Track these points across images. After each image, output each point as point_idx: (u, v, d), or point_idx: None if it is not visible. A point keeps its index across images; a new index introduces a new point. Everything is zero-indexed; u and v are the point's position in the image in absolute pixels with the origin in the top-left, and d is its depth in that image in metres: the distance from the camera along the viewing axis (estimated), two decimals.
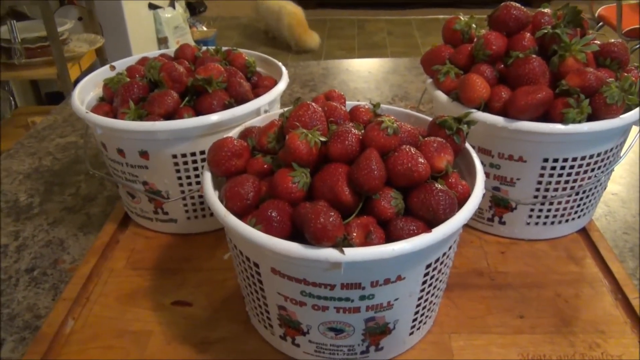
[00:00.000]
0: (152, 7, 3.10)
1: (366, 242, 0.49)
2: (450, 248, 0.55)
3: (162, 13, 3.13)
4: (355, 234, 0.49)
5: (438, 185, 0.51)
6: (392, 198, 0.51)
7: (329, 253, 0.46)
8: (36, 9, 2.21)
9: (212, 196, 0.54)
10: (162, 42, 3.20)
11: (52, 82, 2.60)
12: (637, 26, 2.61)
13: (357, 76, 1.37)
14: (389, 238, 0.50)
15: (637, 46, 2.71)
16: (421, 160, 0.51)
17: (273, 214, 0.49)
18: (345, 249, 0.46)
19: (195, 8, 4.28)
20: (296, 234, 0.50)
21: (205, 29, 3.86)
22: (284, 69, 0.83)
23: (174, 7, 3.27)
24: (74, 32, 2.51)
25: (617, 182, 0.93)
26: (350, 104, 0.67)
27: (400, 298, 0.53)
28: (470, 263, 0.74)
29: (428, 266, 0.53)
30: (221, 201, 0.54)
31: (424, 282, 0.54)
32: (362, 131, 0.54)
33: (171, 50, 0.88)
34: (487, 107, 0.69)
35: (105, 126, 0.69)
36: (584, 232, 0.79)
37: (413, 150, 0.51)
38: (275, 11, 3.83)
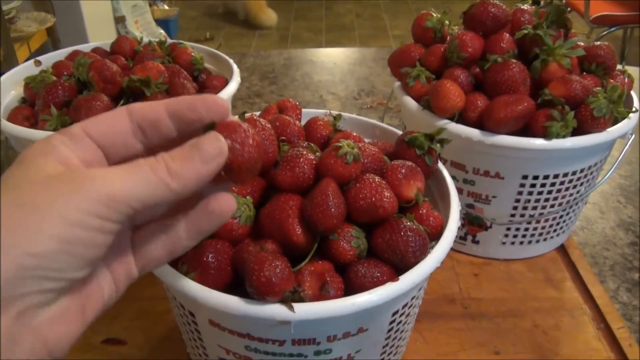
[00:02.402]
0: None
1: (321, 294, 0.41)
2: (420, 289, 0.48)
3: None
4: (307, 284, 0.40)
5: (407, 223, 0.43)
6: (353, 237, 0.43)
7: (275, 310, 0.38)
8: None
9: None
10: (120, 21, 3.03)
11: (0, 64, 2.43)
12: (605, 13, 2.59)
13: (321, 67, 1.28)
14: (349, 287, 0.42)
15: (604, 33, 2.69)
16: (387, 193, 0.43)
17: (210, 259, 0.41)
18: (295, 305, 0.38)
19: None
20: (238, 278, 0.42)
21: (166, 7, 3.68)
22: (235, 66, 0.74)
23: None
24: (23, 10, 2.34)
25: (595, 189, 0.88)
26: (307, 112, 0.59)
27: (363, 349, 0.46)
28: (441, 288, 0.67)
29: (395, 313, 0.45)
30: None
31: (390, 330, 0.47)
32: (318, 154, 0.46)
33: (107, 43, 0.77)
34: (461, 117, 0.61)
35: (19, 137, 0.59)
36: (562, 249, 0.73)
37: (377, 180, 0.43)
38: None
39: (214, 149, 0.29)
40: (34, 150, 0.28)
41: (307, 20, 3.98)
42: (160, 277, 0.41)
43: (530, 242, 0.69)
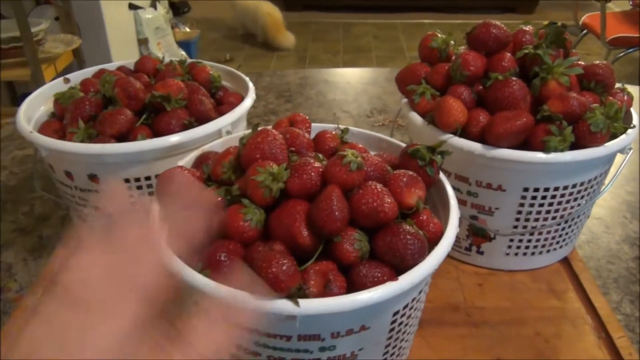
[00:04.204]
0: (133, 7, 3.03)
1: (325, 291, 0.44)
2: (421, 292, 0.50)
3: (142, 14, 3.05)
4: (312, 283, 0.44)
5: (407, 227, 0.46)
6: (356, 240, 0.46)
7: (282, 305, 0.41)
8: (11, 9, 2.13)
9: (157, 235, 0.48)
10: (143, 43, 3.13)
11: (29, 83, 2.52)
12: (621, 35, 2.60)
13: (335, 87, 1.32)
14: (351, 286, 0.45)
15: (621, 55, 2.70)
16: (388, 199, 0.46)
17: (222, 258, 0.44)
18: (301, 301, 0.41)
19: (179, 8, 4.20)
20: None
21: (188, 29, 3.79)
22: (250, 84, 0.78)
23: (155, 7, 3.20)
24: (51, 33, 2.44)
25: (601, 205, 0.90)
26: (317, 127, 0.62)
27: (365, 348, 0.48)
28: (446, 296, 0.69)
29: (396, 313, 0.48)
30: None
31: (392, 330, 0.49)
32: (324, 162, 0.49)
33: (131, 62, 0.82)
34: (464, 132, 0.64)
35: (49, 148, 0.63)
36: (566, 261, 0.75)
37: (379, 187, 0.47)
38: (252, 11, 3.86)
39: None
40: None
41: (324, 42, 4.06)
42: (177, 273, 0.45)
43: (533, 253, 0.71)
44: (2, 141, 1.09)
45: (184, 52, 3.31)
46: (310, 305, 0.41)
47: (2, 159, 1.03)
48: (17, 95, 2.71)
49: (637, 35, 2.58)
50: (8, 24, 2.13)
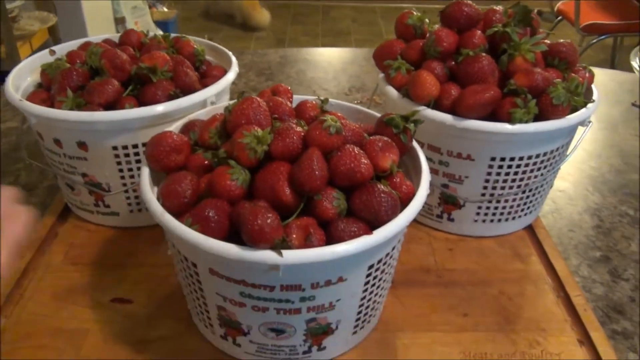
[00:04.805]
0: None
1: (306, 244, 0.47)
2: (393, 248, 0.54)
3: None
4: (294, 236, 0.47)
5: (381, 186, 0.50)
6: (334, 199, 0.50)
7: (266, 255, 0.45)
8: None
9: (149, 193, 0.52)
10: (120, 22, 3.09)
11: (3, 60, 2.49)
12: (594, 22, 2.67)
13: (315, 66, 1.35)
14: (330, 239, 0.49)
15: (594, 41, 2.77)
16: (364, 160, 0.50)
17: (210, 214, 0.48)
18: (284, 251, 0.45)
19: None
20: (235, 234, 0.48)
21: (165, 9, 3.75)
22: (233, 58, 0.81)
23: None
24: (25, 10, 2.41)
25: (565, 179, 0.95)
26: (298, 98, 0.66)
27: (343, 299, 0.52)
28: (418, 260, 0.74)
29: (370, 267, 0.52)
30: (158, 198, 0.52)
31: (367, 283, 0.53)
32: (305, 128, 0.53)
33: (116, 35, 0.84)
34: (436, 105, 0.68)
35: (39, 115, 0.65)
36: (530, 229, 0.80)
37: (356, 150, 0.50)
38: None
39: None
40: None
41: (303, 25, 4.06)
42: (167, 228, 0.48)
43: (500, 220, 0.76)
44: None
45: (161, 32, 3.28)
46: (293, 255, 0.45)
47: None
48: None
49: (610, 22, 2.65)
50: None
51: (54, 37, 2.48)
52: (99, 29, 2.83)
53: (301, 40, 3.80)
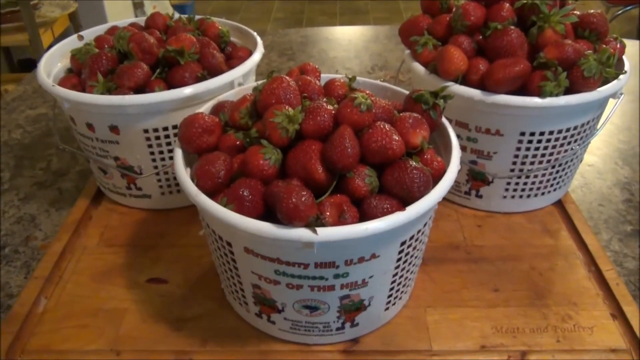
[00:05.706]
0: None
1: (339, 221, 0.48)
2: (425, 225, 0.55)
3: None
4: (328, 213, 0.48)
5: (412, 163, 0.50)
6: (367, 176, 0.50)
7: (301, 233, 0.45)
8: None
9: (183, 174, 0.52)
10: (138, 6, 3.10)
11: (25, 48, 2.52)
12: None
13: (336, 45, 1.35)
14: (363, 217, 0.49)
15: (620, 12, 2.70)
16: (395, 137, 0.50)
17: (245, 193, 0.48)
18: (318, 229, 0.45)
19: None
20: (269, 212, 0.49)
21: None
22: (258, 39, 0.81)
23: None
24: None
25: (594, 153, 0.94)
26: (325, 77, 0.66)
27: (375, 275, 0.53)
28: (447, 237, 0.74)
29: (402, 244, 0.52)
30: (192, 179, 0.52)
31: (399, 260, 0.54)
32: (336, 106, 0.53)
33: (142, 19, 0.85)
34: (464, 80, 0.68)
35: (72, 100, 0.66)
36: (559, 204, 0.80)
37: (387, 127, 0.50)
38: None
39: None
40: None
41: (321, 4, 4.03)
42: (203, 208, 0.49)
43: (529, 196, 0.76)
44: (12, 102, 1.12)
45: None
46: (327, 233, 0.45)
47: (14, 118, 1.06)
48: (14, 61, 2.70)
49: None
50: None
51: (74, 23, 2.50)
52: (118, 15, 2.86)
53: (319, 19, 3.77)
